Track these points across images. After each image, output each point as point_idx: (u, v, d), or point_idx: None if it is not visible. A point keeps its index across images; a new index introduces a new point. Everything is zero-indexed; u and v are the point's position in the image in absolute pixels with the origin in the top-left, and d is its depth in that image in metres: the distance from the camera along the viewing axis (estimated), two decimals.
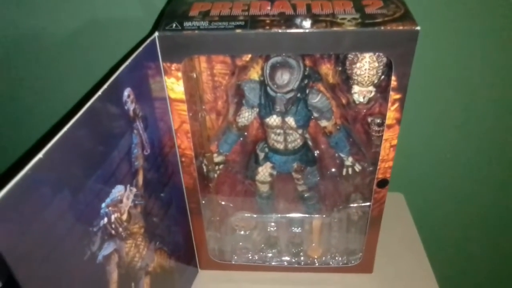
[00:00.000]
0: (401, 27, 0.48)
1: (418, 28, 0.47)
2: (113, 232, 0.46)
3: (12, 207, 0.32)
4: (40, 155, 0.34)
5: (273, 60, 0.56)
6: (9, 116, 0.86)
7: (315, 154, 0.67)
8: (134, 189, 0.50)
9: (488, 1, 0.68)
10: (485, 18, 0.70)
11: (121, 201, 0.47)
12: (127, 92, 0.46)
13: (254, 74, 0.60)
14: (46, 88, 0.81)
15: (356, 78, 0.56)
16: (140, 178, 0.51)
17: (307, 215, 0.72)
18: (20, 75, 0.80)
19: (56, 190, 0.37)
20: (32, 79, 0.81)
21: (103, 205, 0.44)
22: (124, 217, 0.48)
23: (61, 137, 0.36)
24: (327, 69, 0.60)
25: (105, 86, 0.42)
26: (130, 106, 0.47)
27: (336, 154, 0.67)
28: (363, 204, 0.67)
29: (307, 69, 0.57)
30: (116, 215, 0.46)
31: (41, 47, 0.76)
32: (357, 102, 0.58)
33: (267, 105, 0.60)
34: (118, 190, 0.47)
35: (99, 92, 0.41)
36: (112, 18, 0.72)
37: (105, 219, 0.44)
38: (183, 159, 0.60)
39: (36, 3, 0.71)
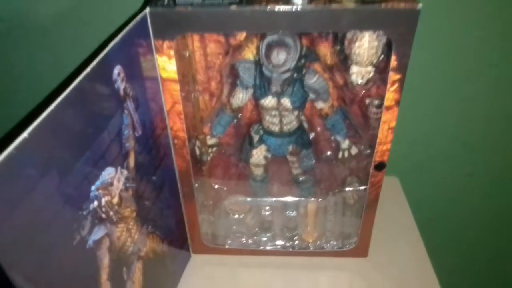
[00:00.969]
0: (402, 6, 0.46)
1: (420, 6, 0.45)
2: (103, 216, 0.44)
3: None
4: (25, 134, 0.32)
5: (269, 38, 0.54)
6: None
7: (311, 137, 0.66)
8: (125, 172, 0.48)
9: None
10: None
11: (111, 184, 0.46)
12: (117, 70, 0.44)
13: (249, 53, 0.58)
14: (32, 66, 0.79)
15: (354, 57, 0.54)
16: (132, 160, 0.49)
17: (302, 199, 0.71)
18: (5, 52, 0.78)
19: (42, 172, 0.35)
20: (18, 56, 0.78)
21: (93, 187, 0.42)
22: (115, 200, 0.46)
23: (48, 116, 0.35)
24: (324, 48, 0.58)
25: (93, 63, 0.40)
26: (121, 85, 0.45)
27: (332, 137, 0.66)
28: (359, 188, 0.66)
29: (304, 48, 0.56)
30: (106, 198, 0.45)
31: (28, 23, 0.73)
32: (355, 83, 0.57)
33: (262, 86, 0.58)
34: (108, 173, 0.45)
35: (87, 70, 0.39)
36: None
37: (95, 203, 0.43)
38: (175, 141, 0.58)
39: None
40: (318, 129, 0.66)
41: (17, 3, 0.71)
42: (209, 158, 0.67)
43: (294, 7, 0.47)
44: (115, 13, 0.68)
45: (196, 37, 0.58)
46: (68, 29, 0.74)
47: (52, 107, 0.35)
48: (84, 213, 0.41)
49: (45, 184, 0.36)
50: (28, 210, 0.34)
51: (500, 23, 0.70)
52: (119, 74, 0.45)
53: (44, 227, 0.36)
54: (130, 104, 0.47)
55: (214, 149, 0.67)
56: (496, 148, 0.87)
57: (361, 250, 0.70)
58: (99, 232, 0.44)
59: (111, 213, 0.46)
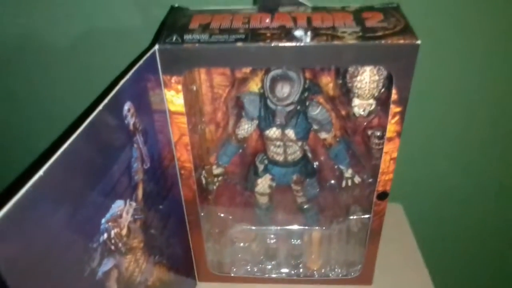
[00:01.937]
0: (402, 41, 0.48)
1: (419, 42, 0.47)
2: (112, 247, 0.45)
3: (12, 226, 0.31)
4: (40, 172, 0.34)
5: (273, 72, 0.56)
6: (6, 128, 0.86)
7: (315, 166, 0.67)
8: (133, 204, 0.49)
9: (487, 16, 0.68)
10: (484, 32, 0.70)
11: (120, 216, 0.47)
12: (127, 106, 0.46)
13: (254, 86, 0.60)
14: (44, 100, 0.81)
15: (356, 91, 0.55)
16: (140, 192, 0.51)
17: (306, 227, 0.72)
18: (17, 86, 0.80)
19: (56, 207, 0.36)
20: (30, 90, 0.80)
21: (103, 220, 0.44)
22: (124, 232, 0.47)
23: (62, 153, 0.36)
24: (327, 81, 0.60)
25: (106, 101, 0.42)
26: (130, 120, 0.47)
27: (336, 166, 0.67)
28: (362, 216, 0.67)
29: (307, 81, 0.57)
30: (115, 230, 0.46)
31: (40, 57, 0.75)
32: (357, 115, 0.58)
33: (267, 118, 0.60)
34: (118, 205, 0.46)
35: (100, 107, 0.41)
36: (111, 28, 0.71)
37: (105, 235, 0.44)
38: (182, 172, 0.59)
39: (34, 12, 0.71)
40: (322, 158, 0.67)
41: (28, 31, 0.73)
42: (215, 187, 0.68)
43: (298, 43, 0.48)
44: (123, 43, 0.71)
45: (202, 70, 0.60)
46: (78, 59, 0.76)
47: (66, 144, 0.36)
48: (95, 245, 0.42)
49: (58, 219, 0.37)
50: (42, 245, 0.35)
51: (500, 50, 0.72)
52: (129, 110, 0.46)
53: (56, 260, 0.37)
54: (139, 138, 0.49)
55: (219, 178, 0.68)
56: (500, 173, 0.87)
57: (365, 278, 0.70)
58: (108, 264, 0.45)
59: (120, 244, 0.47)
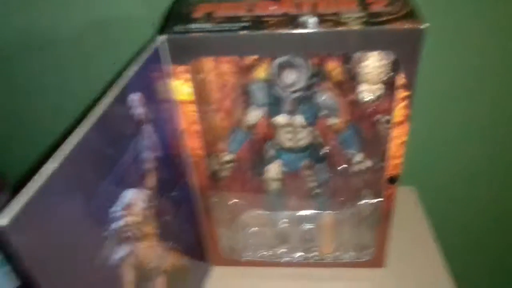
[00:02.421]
0: (406, 26, 0.47)
1: (424, 26, 0.47)
2: (127, 235, 0.47)
3: (31, 216, 0.33)
4: (55, 164, 0.35)
5: (279, 59, 0.56)
6: (13, 119, 0.88)
7: (324, 151, 0.67)
8: (146, 191, 0.51)
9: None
10: (494, 16, 0.69)
11: (134, 204, 0.48)
12: (135, 96, 0.47)
13: (261, 73, 0.60)
14: (50, 89, 0.82)
15: (363, 76, 0.56)
16: (152, 180, 0.52)
17: (318, 212, 0.72)
18: (23, 76, 0.81)
19: (71, 198, 0.38)
20: (35, 81, 0.82)
21: (117, 208, 0.45)
22: (138, 219, 0.49)
23: (76, 145, 0.37)
24: (334, 67, 0.60)
25: (114, 92, 0.43)
26: (139, 110, 0.48)
27: (345, 151, 0.67)
28: (373, 200, 0.67)
29: (314, 67, 0.57)
30: (129, 218, 0.47)
31: (44, 47, 0.77)
32: (365, 100, 0.58)
33: (275, 104, 0.60)
34: (130, 194, 0.47)
35: (109, 98, 0.42)
36: (116, 17, 0.72)
37: (119, 223, 0.45)
38: (193, 159, 0.60)
39: (38, 3, 0.72)
40: (332, 143, 0.68)
41: (30, 25, 0.74)
42: (226, 174, 0.69)
43: (302, 30, 0.48)
44: (128, 34, 0.72)
45: (210, 59, 0.61)
46: (83, 51, 0.77)
47: (79, 136, 0.38)
48: (109, 233, 0.44)
49: (73, 209, 0.38)
50: (59, 234, 0.36)
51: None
52: (138, 100, 0.47)
53: (72, 248, 0.39)
54: (149, 127, 0.50)
55: (230, 165, 0.69)
56: None
57: (377, 261, 0.71)
58: (123, 251, 0.47)
59: (134, 231, 0.48)
